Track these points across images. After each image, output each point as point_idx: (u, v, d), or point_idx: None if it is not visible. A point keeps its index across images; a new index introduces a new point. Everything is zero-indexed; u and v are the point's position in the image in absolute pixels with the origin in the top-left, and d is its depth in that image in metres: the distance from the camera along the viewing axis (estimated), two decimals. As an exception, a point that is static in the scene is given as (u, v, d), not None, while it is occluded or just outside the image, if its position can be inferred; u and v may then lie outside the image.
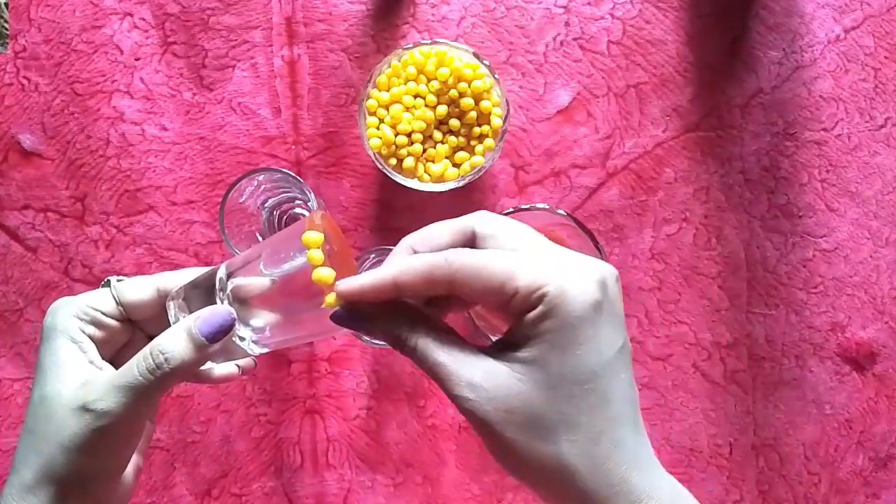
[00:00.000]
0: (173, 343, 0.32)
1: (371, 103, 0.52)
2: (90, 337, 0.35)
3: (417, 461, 0.57)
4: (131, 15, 0.58)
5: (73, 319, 0.35)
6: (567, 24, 0.58)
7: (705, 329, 0.57)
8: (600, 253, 0.49)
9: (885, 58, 0.58)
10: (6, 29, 0.56)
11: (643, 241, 0.57)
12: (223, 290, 0.34)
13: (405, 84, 0.53)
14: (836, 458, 0.57)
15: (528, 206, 0.51)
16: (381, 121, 0.53)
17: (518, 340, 0.27)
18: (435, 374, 0.28)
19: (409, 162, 0.52)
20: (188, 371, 0.32)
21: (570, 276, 0.27)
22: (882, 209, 0.58)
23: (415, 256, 0.29)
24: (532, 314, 0.27)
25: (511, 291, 0.27)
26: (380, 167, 0.53)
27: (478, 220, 0.29)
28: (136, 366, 0.32)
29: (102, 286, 0.36)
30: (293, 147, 0.58)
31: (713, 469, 0.57)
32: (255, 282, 0.34)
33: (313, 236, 0.31)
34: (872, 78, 0.58)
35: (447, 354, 0.28)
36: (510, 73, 0.58)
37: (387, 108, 0.53)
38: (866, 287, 0.57)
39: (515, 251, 0.28)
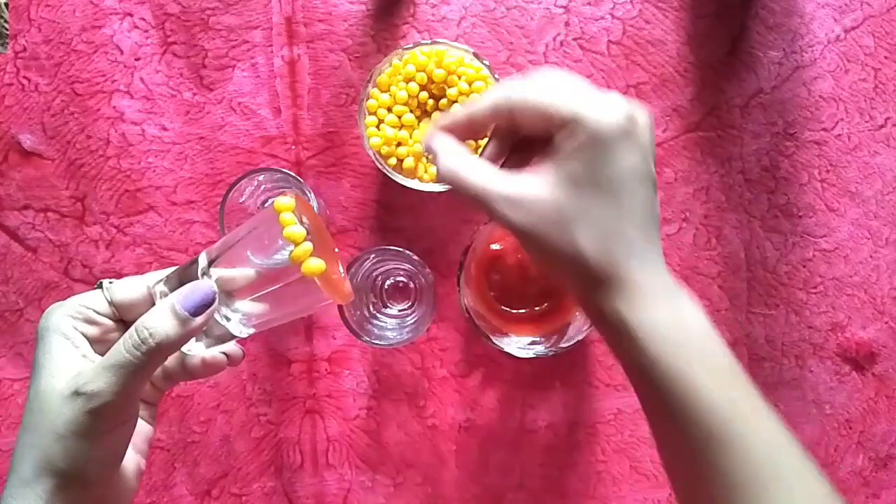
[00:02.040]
0: (157, 319, 0.33)
1: (371, 103, 0.52)
2: (83, 334, 0.35)
3: (417, 461, 0.57)
4: (131, 15, 0.58)
5: (65, 318, 0.35)
6: (567, 24, 0.58)
7: (705, 329, 0.57)
8: None
9: (886, 58, 0.58)
10: (6, 29, 0.56)
11: (643, 241, 0.57)
12: (205, 274, 0.35)
13: (406, 84, 0.52)
14: (835, 457, 0.57)
15: None
16: (381, 121, 0.53)
17: (552, 154, 0.33)
18: (475, 197, 0.33)
19: (409, 162, 0.52)
20: (173, 346, 0.33)
21: (603, 104, 0.32)
22: (882, 209, 0.58)
23: (481, 99, 0.35)
24: (566, 130, 0.32)
25: (557, 121, 0.32)
26: (379, 167, 0.53)
27: (528, 78, 0.35)
28: (122, 344, 0.32)
29: (95, 288, 0.37)
30: (293, 147, 0.58)
31: (713, 469, 0.57)
32: (234, 258, 0.35)
33: (285, 201, 0.34)
34: (872, 78, 0.58)
35: (484, 179, 0.33)
36: (510, 73, 0.58)
37: (387, 108, 0.53)
38: (866, 287, 0.57)
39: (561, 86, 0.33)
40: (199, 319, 0.33)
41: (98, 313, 0.36)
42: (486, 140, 0.37)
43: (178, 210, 0.58)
